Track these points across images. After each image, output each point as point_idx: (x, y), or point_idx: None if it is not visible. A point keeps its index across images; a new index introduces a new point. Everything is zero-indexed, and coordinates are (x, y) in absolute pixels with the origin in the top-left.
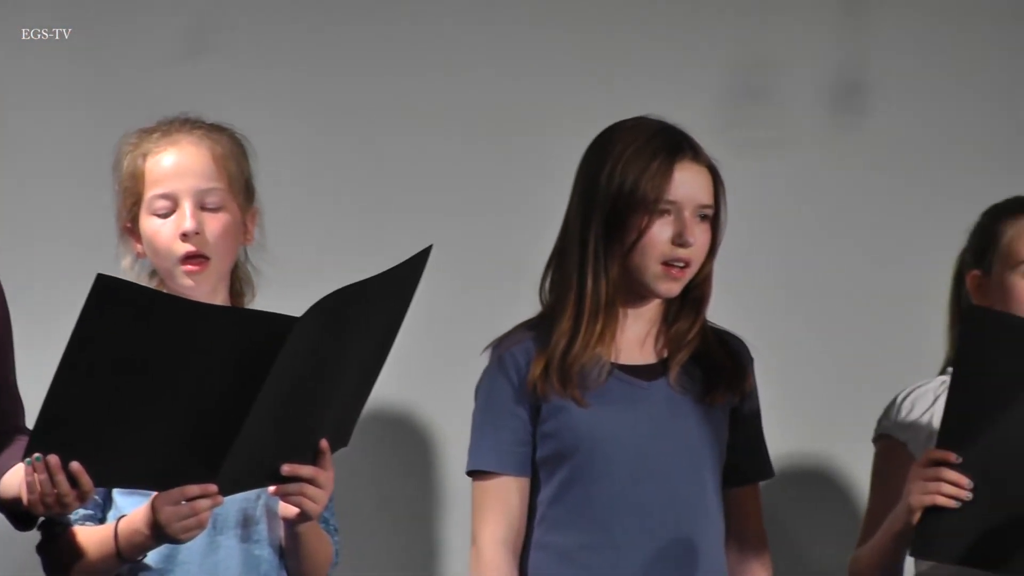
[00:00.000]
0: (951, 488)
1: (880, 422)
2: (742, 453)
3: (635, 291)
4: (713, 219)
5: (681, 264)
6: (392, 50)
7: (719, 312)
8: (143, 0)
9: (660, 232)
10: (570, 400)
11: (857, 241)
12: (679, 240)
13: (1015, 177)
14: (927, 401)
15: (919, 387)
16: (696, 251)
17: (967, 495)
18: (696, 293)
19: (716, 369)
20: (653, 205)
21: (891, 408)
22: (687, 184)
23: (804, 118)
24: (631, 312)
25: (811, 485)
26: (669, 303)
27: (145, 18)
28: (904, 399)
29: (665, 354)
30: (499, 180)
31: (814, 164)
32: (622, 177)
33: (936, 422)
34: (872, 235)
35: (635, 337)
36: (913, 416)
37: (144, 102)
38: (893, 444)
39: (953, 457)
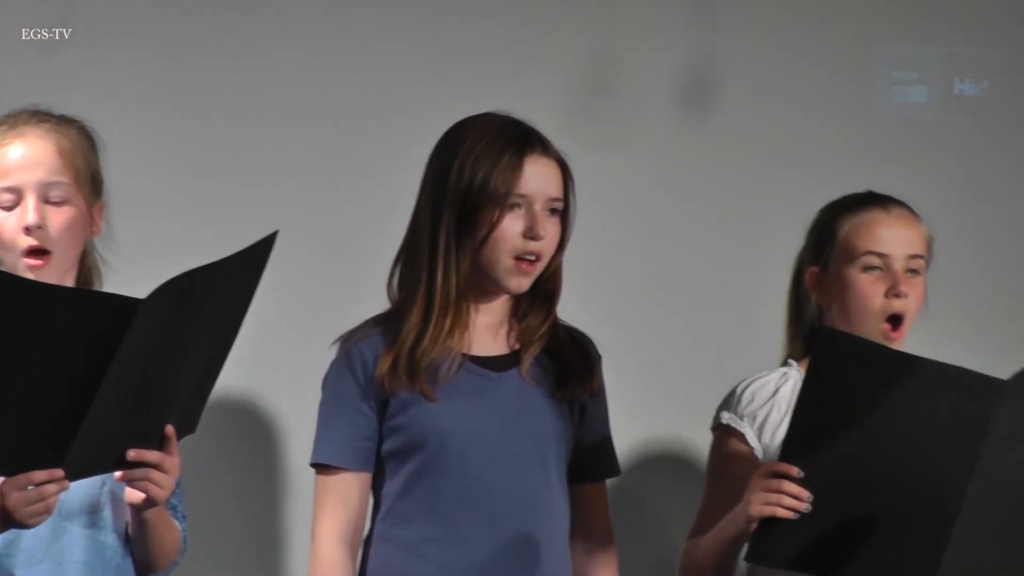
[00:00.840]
0: (791, 501)
1: (719, 412)
2: (590, 451)
3: (483, 287)
4: (563, 213)
5: (532, 258)
6: (243, 42)
7: (566, 306)
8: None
9: (511, 226)
10: (419, 394)
11: (703, 236)
12: (530, 233)
13: (860, 174)
14: (767, 392)
15: (759, 378)
16: (547, 244)
17: (806, 508)
18: (546, 287)
19: (567, 365)
20: (504, 199)
21: (731, 398)
22: (537, 177)
23: (653, 114)
24: (480, 307)
25: (660, 478)
26: (518, 298)
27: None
28: (744, 390)
29: (517, 346)
30: (349, 174)
31: (662, 159)
32: (472, 172)
33: (775, 413)
34: (718, 230)
35: (487, 328)
36: (753, 407)
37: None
38: (731, 434)
39: (795, 471)
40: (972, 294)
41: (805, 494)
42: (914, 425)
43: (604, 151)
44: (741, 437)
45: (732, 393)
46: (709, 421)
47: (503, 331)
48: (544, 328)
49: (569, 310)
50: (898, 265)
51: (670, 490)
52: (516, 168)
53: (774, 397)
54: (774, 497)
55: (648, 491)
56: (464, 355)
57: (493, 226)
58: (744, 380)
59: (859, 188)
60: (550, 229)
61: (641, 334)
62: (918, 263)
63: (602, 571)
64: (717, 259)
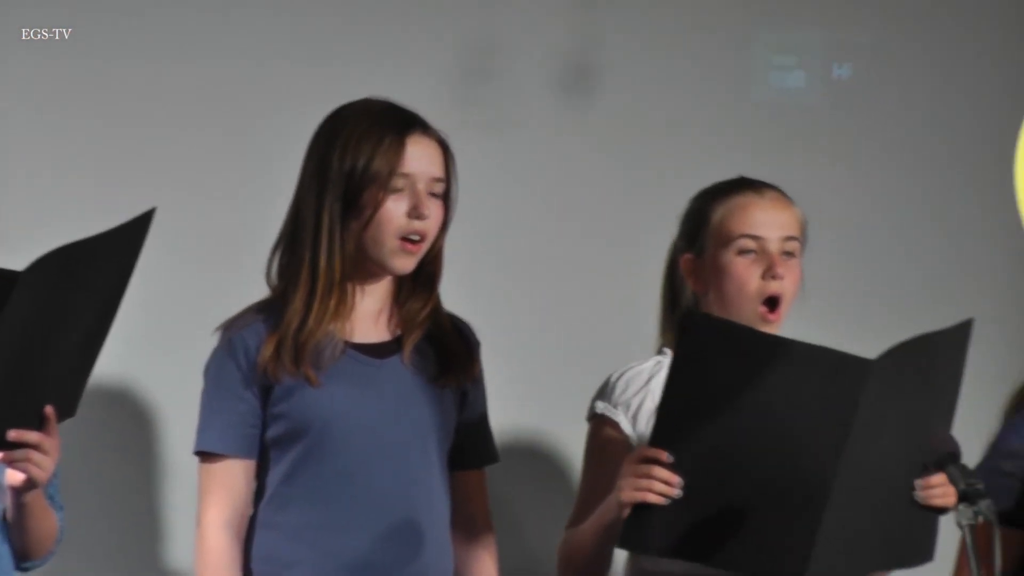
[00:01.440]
0: (661, 486)
1: (594, 401)
2: (469, 437)
3: (367, 269)
4: (445, 195)
5: (416, 238)
6: (124, 26)
7: (445, 292)
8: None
9: (395, 207)
10: (302, 379)
11: (583, 223)
12: (415, 213)
13: (740, 160)
14: (641, 380)
15: (633, 367)
16: (431, 224)
17: (677, 493)
18: (428, 270)
19: (448, 351)
20: (387, 179)
21: (605, 387)
22: (419, 158)
23: (532, 100)
24: (364, 289)
25: (534, 466)
26: (401, 282)
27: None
28: (618, 379)
29: (399, 332)
30: (230, 162)
31: (541, 146)
32: (355, 154)
33: (649, 401)
34: (597, 216)
35: (369, 314)
36: (627, 395)
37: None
38: (606, 423)
39: (665, 456)
40: (848, 278)
41: (675, 479)
42: (783, 408)
43: (483, 137)
44: (616, 426)
45: (606, 382)
46: (586, 410)
47: (384, 317)
48: (425, 312)
49: (447, 296)
50: (773, 247)
51: (547, 479)
52: (398, 149)
53: (648, 385)
54: (644, 482)
55: (525, 480)
56: (346, 342)
57: (377, 207)
58: (618, 369)
59: (739, 174)
60: (433, 210)
61: (519, 321)
62: (793, 245)
63: (482, 558)
64: (596, 246)
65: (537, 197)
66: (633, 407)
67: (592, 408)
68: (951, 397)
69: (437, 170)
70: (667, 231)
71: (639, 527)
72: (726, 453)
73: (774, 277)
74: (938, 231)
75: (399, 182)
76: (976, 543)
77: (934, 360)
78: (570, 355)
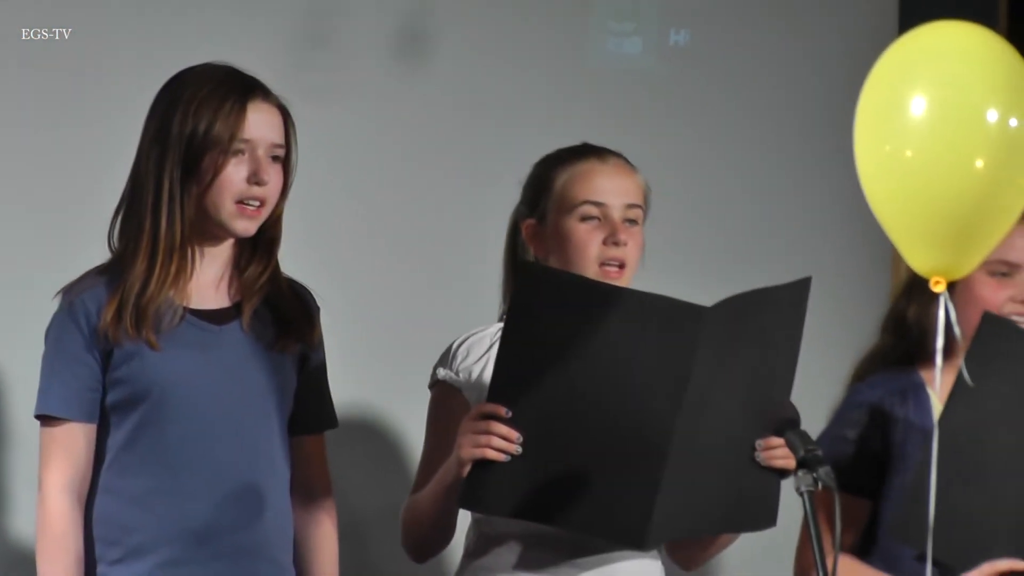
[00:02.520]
0: (500, 442)
1: (436, 368)
2: (308, 402)
3: (209, 232)
4: (285, 160)
5: (255, 203)
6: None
7: (285, 257)
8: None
9: (235, 172)
10: (143, 343)
11: (423, 189)
12: (254, 179)
13: (578, 127)
14: (483, 347)
15: (475, 333)
16: (270, 190)
17: (516, 449)
18: (268, 236)
19: (287, 317)
20: (228, 144)
21: (447, 354)
22: (260, 124)
23: (368, 66)
24: (205, 252)
25: (375, 433)
26: (242, 248)
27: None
28: (460, 345)
29: (239, 298)
30: (68, 124)
31: (378, 112)
32: (196, 119)
33: (491, 368)
34: (437, 183)
35: (209, 280)
36: (468, 362)
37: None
38: (448, 390)
39: (503, 411)
40: (689, 245)
41: (514, 435)
42: (620, 360)
43: (319, 103)
44: (457, 392)
45: (448, 349)
46: (427, 378)
47: (224, 284)
48: (264, 278)
49: (287, 262)
50: (616, 214)
51: (388, 446)
52: (239, 114)
53: (490, 352)
54: (483, 438)
55: (366, 446)
56: (185, 308)
57: (217, 172)
58: (460, 336)
59: (577, 141)
60: (273, 175)
61: (359, 288)
62: (635, 213)
63: (321, 522)
64: (435, 212)
65: (375, 163)
66: (475, 374)
67: (434, 375)
68: (790, 358)
69: (277, 136)
70: (508, 198)
71: (479, 486)
72: (565, 408)
73: (616, 244)
74: (780, 197)
75: (239, 147)
76: (817, 510)
77: (771, 315)
78: (411, 322)
